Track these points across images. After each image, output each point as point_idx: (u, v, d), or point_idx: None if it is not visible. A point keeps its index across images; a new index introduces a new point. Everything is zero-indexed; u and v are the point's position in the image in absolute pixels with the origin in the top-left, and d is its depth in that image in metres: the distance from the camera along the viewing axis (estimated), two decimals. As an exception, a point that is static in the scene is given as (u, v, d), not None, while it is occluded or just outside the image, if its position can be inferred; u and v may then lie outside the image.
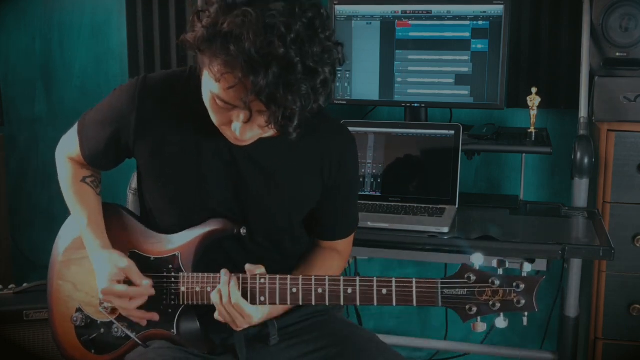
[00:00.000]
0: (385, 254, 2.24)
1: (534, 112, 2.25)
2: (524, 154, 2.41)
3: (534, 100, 2.23)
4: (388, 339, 1.62)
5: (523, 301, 1.25)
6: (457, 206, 2.13)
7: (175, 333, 1.46)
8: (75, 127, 1.55)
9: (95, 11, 2.97)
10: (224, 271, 1.39)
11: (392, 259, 2.82)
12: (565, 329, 2.35)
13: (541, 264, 2.00)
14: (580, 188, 2.22)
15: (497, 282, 1.25)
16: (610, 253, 1.81)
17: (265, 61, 1.13)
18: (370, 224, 1.97)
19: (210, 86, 1.23)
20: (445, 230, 1.94)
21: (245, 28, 1.13)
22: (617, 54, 2.25)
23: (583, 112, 2.27)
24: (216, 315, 1.40)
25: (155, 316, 1.45)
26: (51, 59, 3.05)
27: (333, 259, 1.58)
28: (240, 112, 1.22)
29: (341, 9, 2.41)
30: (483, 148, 2.32)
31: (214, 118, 1.29)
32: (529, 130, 2.27)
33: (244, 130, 1.25)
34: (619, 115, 2.24)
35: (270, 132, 1.27)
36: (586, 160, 2.19)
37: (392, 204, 2.15)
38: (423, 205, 2.12)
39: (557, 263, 2.42)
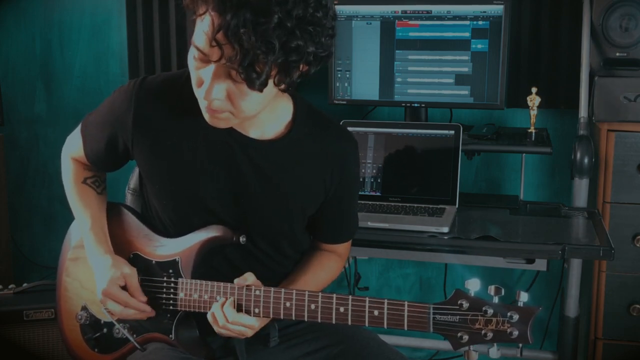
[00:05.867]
0: (385, 254, 2.24)
1: (534, 112, 2.25)
2: (524, 154, 2.41)
3: (534, 100, 2.23)
4: (388, 339, 1.62)
5: (516, 332, 1.20)
6: (457, 206, 2.13)
7: (174, 338, 1.46)
8: (79, 127, 1.56)
9: (95, 11, 2.97)
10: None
11: (392, 259, 2.82)
12: (565, 329, 2.35)
13: (541, 264, 1.99)
14: (580, 188, 2.22)
15: (490, 311, 1.21)
16: (610, 253, 1.81)
17: (239, 1, 1.13)
18: (370, 224, 1.96)
19: (192, 38, 1.23)
20: (445, 230, 1.94)
21: None
22: (617, 54, 2.25)
23: (583, 112, 2.27)
24: (218, 331, 1.40)
25: (146, 308, 1.46)
26: (51, 59, 3.05)
27: (331, 260, 1.58)
28: (210, 67, 1.22)
29: (341, 9, 2.41)
30: (483, 148, 2.32)
31: (192, 81, 1.28)
32: (529, 130, 2.27)
33: (210, 86, 1.23)
34: (619, 115, 2.24)
35: (241, 102, 1.24)
36: (586, 160, 2.19)
37: (392, 204, 2.15)
38: (423, 205, 2.12)
39: (557, 263, 2.42)
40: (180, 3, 1.26)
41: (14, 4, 3.04)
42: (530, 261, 1.97)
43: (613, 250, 1.81)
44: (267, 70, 1.18)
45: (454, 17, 2.32)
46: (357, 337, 1.51)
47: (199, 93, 1.28)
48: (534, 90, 2.23)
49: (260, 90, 1.22)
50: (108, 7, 2.94)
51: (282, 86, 1.26)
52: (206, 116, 1.30)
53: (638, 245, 2.21)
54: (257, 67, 1.17)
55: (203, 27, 1.19)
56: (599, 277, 2.26)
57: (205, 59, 1.22)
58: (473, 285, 1.24)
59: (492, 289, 1.23)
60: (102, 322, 1.55)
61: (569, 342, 2.35)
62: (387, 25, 2.39)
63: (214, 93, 1.24)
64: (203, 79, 1.25)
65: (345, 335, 1.51)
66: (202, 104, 1.29)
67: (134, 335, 1.49)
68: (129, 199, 1.79)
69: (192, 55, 1.24)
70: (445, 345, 2.66)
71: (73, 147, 1.58)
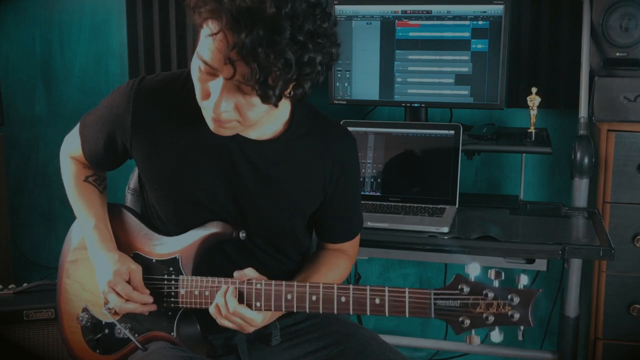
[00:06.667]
0: (385, 254, 2.24)
1: (534, 112, 2.25)
2: (524, 154, 2.41)
3: (534, 100, 2.23)
4: (388, 339, 1.62)
5: (517, 315, 1.20)
6: (457, 206, 2.13)
7: (175, 335, 1.46)
8: (77, 126, 1.56)
9: (95, 11, 2.97)
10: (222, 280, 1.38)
11: (392, 259, 2.82)
12: (565, 329, 2.35)
13: (541, 264, 2.00)
14: (580, 188, 2.22)
15: (491, 295, 1.21)
16: (610, 253, 1.81)
17: (252, 19, 1.13)
18: (370, 224, 1.97)
19: (198, 49, 1.22)
20: (445, 230, 1.94)
21: None
22: (617, 54, 2.25)
23: (583, 112, 2.27)
24: (221, 322, 1.40)
25: (149, 299, 1.46)
26: (51, 59, 3.05)
27: (339, 259, 1.57)
28: (218, 80, 1.21)
29: (341, 9, 2.42)
30: (483, 148, 2.32)
31: (197, 92, 1.28)
32: (529, 130, 2.27)
33: (219, 100, 1.23)
34: (619, 115, 2.24)
35: (249, 113, 1.24)
36: (586, 160, 2.19)
37: (392, 204, 2.15)
38: (423, 205, 2.12)
39: (557, 263, 2.43)
40: (180, 3, 1.26)
41: (14, 4, 3.04)
42: (530, 261, 1.97)
43: (613, 250, 1.81)
44: (281, 85, 1.18)
45: (454, 17, 2.33)
46: (358, 337, 1.51)
47: (205, 104, 1.27)
48: (534, 90, 2.23)
49: (276, 105, 1.22)
50: (108, 7, 2.95)
51: (296, 98, 1.26)
52: (211, 126, 1.30)
53: (638, 245, 2.21)
54: (272, 83, 1.17)
55: (215, 45, 1.17)
56: (599, 277, 2.26)
57: (213, 72, 1.22)
58: (473, 270, 1.24)
59: (492, 273, 1.23)
60: (103, 323, 1.55)
61: (569, 342, 2.35)
62: (387, 25, 2.39)
63: (222, 106, 1.24)
64: (210, 91, 1.25)
65: (346, 335, 1.51)
66: (208, 115, 1.29)
67: (136, 335, 1.49)
68: (129, 199, 1.79)
69: (198, 67, 1.24)
70: (445, 345, 2.66)
71: (71, 147, 1.58)
